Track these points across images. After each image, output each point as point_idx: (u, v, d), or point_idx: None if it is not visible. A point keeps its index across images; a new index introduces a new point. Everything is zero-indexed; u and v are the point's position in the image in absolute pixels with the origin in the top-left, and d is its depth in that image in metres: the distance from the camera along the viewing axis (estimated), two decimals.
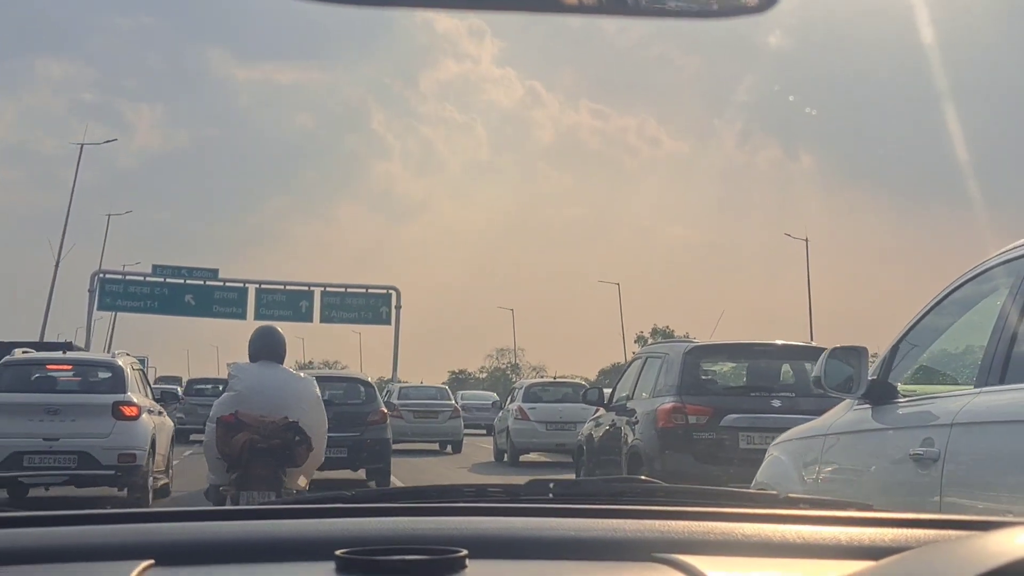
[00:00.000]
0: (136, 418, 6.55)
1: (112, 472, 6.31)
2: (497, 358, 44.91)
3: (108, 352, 11.87)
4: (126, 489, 6.45)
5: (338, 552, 0.59)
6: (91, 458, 6.22)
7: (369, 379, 8.87)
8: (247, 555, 0.63)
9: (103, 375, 6.85)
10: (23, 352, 7.06)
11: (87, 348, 25.98)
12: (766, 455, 2.47)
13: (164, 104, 53.35)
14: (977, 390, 1.77)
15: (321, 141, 54.82)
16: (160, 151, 52.23)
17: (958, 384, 1.96)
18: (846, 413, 2.20)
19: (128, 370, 6.87)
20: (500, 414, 11.49)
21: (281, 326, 3.46)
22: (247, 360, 3.17)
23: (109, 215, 32.40)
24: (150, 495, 6.48)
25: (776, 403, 4.41)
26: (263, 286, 24.60)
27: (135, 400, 6.65)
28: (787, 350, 4.95)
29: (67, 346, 12.85)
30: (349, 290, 26.29)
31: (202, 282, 25.39)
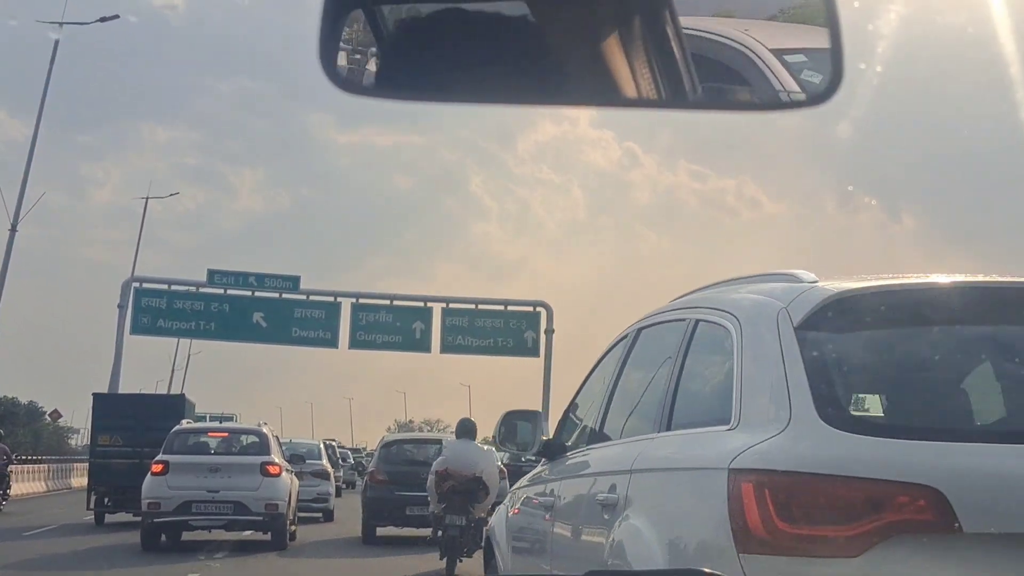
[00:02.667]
0: (278, 476, 12.71)
1: (260, 518, 12.23)
2: None
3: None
4: (270, 533, 12.12)
5: None
6: (244, 507, 12.18)
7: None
8: None
9: (251, 440, 13.31)
10: (187, 423, 13.61)
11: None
12: None
13: (265, 167, 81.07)
14: (584, 448, 3.88)
15: (419, 202, 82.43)
16: (261, 213, 77.99)
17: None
18: (535, 468, 4.32)
19: (270, 436, 13.24)
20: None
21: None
22: (453, 436, 9.72)
23: (147, 198, 39.90)
24: (287, 538, 12.17)
25: None
26: (361, 300, 30.16)
27: (277, 461, 12.86)
28: None
29: (181, 399, 19.02)
30: (481, 307, 31.21)
31: (277, 295, 31.25)
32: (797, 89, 1.84)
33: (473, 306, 30.55)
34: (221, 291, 31.56)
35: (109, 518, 14.97)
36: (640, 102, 1.76)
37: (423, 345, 30.75)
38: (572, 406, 4.35)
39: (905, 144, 77.62)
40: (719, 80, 1.86)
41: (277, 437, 13.74)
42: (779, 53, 1.84)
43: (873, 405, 3.02)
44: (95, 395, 17.29)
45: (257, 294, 31.02)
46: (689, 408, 3.23)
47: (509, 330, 30.07)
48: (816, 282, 3.03)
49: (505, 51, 1.74)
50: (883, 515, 2.49)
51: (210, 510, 12.19)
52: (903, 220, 77.43)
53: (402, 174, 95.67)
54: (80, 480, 20.59)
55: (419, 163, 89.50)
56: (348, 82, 1.75)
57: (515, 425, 4.36)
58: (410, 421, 53.31)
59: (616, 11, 1.82)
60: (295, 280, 30.70)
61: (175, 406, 16.17)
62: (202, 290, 32.18)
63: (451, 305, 30.60)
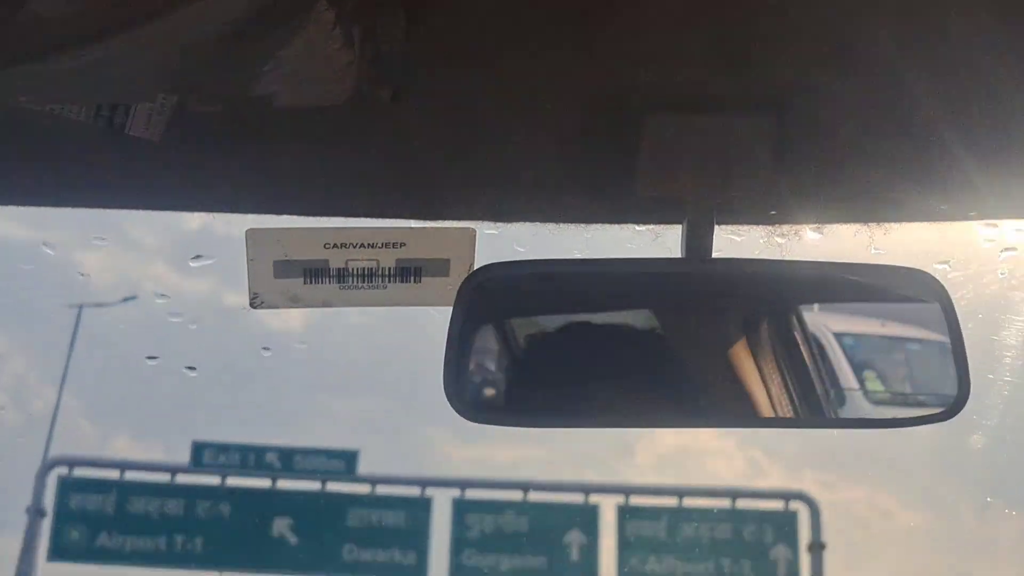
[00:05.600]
0: None
1: None
2: None
3: None
4: None
5: None
6: None
7: None
8: None
9: None
10: None
11: None
12: None
13: None
14: None
15: None
16: None
17: None
18: None
19: None
20: None
21: None
22: None
23: (80, 306, 35.47)
24: None
25: None
26: (469, 493, 25.15)
27: None
28: None
29: None
30: (688, 501, 26.22)
31: (318, 485, 26.46)
32: (927, 403, 2.70)
33: (675, 500, 24.97)
34: (216, 481, 26.19)
35: None
36: (775, 422, 2.68)
37: (585, 575, 25.18)
38: None
39: None
40: (847, 392, 2.77)
41: None
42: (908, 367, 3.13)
43: None
44: None
45: (281, 485, 25.59)
46: None
47: (741, 545, 25.11)
48: None
49: (634, 372, 2.64)
50: None
51: None
52: None
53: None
54: None
55: (540, 477, 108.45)
56: (473, 410, 2.59)
57: None
58: None
59: (745, 322, 2.80)
60: (350, 458, 25.33)
61: None
62: (181, 479, 26.74)
63: (633, 500, 25.05)
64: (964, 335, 2.61)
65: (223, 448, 27.29)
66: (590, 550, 26.81)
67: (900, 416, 2.68)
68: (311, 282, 2.63)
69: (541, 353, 2.69)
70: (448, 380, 2.52)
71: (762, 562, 26.53)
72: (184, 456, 27.29)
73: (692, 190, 2.66)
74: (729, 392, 2.64)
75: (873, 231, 2.73)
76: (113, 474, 28.45)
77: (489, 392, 2.69)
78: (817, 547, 27.08)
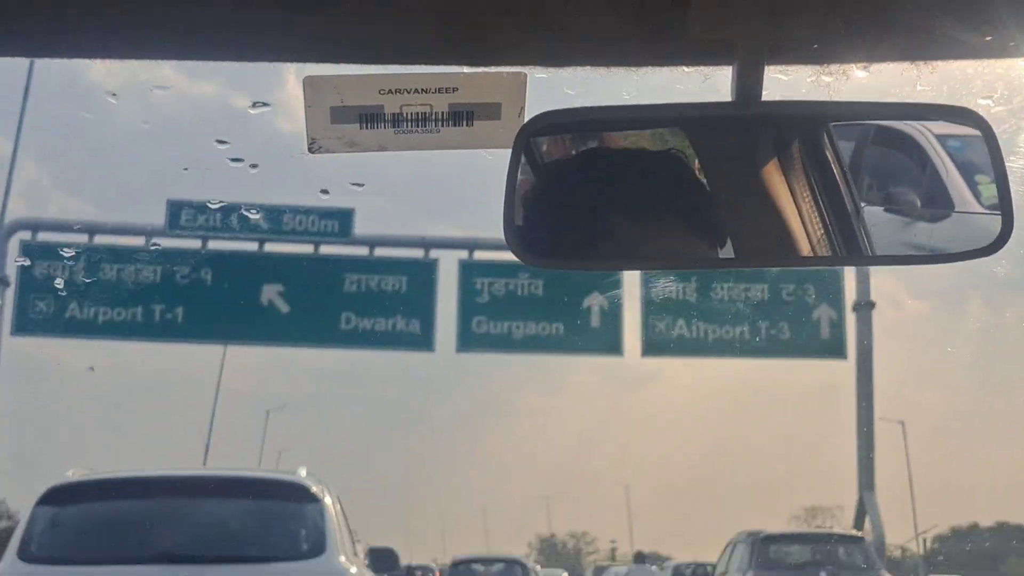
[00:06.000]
0: None
1: None
2: None
3: None
4: None
5: None
6: None
7: None
8: None
9: (284, 517, 10.02)
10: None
11: None
12: None
13: None
14: None
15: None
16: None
17: None
18: None
19: (330, 508, 9.91)
20: None
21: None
22: None
23: (25, 63, 36.27)
24: None
25: (823, 574, 26.03)
26: (478, 255, 25.69)
27: (349, 571, 9.70)
28: (831, 537, 31.00)
29: None
30: None
31: (311, 247, 26.92)
32: (967, 239, 3.10)
33: None
34: (197, 243, 26.66)
35: None
36: (814, 260, 3.32)
37: (607, 340, 25.78)
38: None
39: None
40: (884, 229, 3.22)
41: (340, 504, 11.14)
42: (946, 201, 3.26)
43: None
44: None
45: (269, 248, 26.04)
46: None
47: (778, 304, 25.54)
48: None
49: (676, 213, 3.11)
50: None
51: None
52: None
53: None
54: None
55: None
56: (531, 253, 3.04)
57: None
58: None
59: (790, 160, 3.20)
60: (345, 217, 25.76)
61: None
62: (157, 243, 27.28)
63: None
64: (1007, 173, 3.01)
65: (202, 208, 27.58)
66: (613, 315, 27.29)
67: (941, 253, 3.11)
68: (367, 127, 3.05)
69: (591, 195, 3.10)
70: (507, 224, 2.92)
71: (802, 323, 26.98)
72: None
73: (743, 30, 2.99)
74: (771, 231, 3.08)
75: (920, 69, 3.14)
76: (81, 239, 28.96)
77: (544, 235, 3.05)
78: (865, 307, 27.57)
